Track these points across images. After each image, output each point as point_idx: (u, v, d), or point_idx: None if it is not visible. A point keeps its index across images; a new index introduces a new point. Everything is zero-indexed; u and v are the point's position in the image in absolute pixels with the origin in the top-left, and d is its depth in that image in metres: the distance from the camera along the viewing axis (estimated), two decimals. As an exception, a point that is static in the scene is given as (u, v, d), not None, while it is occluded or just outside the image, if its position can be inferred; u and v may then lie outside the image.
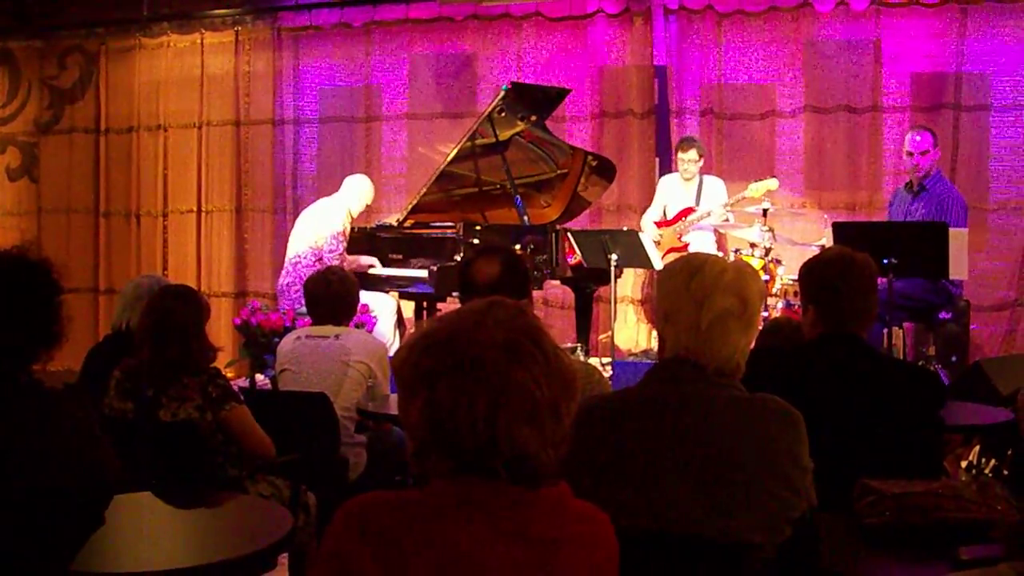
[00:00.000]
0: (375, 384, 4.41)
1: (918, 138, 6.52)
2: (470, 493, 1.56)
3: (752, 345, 2.37)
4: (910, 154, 6.55)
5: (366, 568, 1.50)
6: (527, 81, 8.02)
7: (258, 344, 6.61)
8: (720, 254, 7.33)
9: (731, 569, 2.11)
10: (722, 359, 2.27)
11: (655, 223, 7.79)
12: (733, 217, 7.52)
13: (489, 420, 1.53)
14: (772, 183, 7.15)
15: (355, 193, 7.38)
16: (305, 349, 4.48)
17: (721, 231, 7.79)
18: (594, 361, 6.46)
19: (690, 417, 2.22)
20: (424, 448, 1.59)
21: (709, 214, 7.47)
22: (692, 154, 7.56)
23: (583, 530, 1.62)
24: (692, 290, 2.27)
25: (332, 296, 4.58)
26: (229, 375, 6.34)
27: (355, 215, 7.41)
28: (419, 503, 1.57)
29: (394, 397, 4.36)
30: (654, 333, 6.58)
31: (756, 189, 7.16)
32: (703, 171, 7.74)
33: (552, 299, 8.36)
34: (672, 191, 7.80)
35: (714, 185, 7.69)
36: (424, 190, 7.25)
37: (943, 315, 6.44)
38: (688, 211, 7.61)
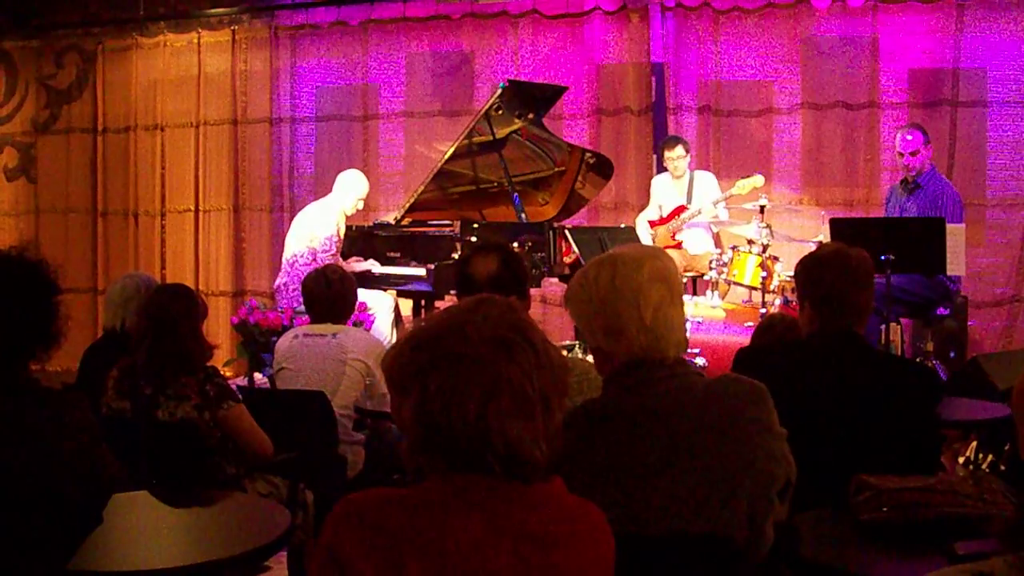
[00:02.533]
0: (373, 382, 4.41)
1: (909, 137, 6.53)
2: (464, 489, 1.57)
3: (684, 319, 2.39)
4: (901, 154, 6.57)
5: (361, 564, 1.51)
6: (524, 79, 8.02)
7: (256, 343, 6.62)
8: (717, 250, 7.33)
9: (725, 563, 2.12)
10: (674, 344, 2.28)
11: (649, 222, 7.79)
12: (726, 213, 7.53)
13: (481, 415, 1.54)
14: (758, 179, 7.17)
15: (348, 190, 7.37)
16: (303, 348, 4.48)
17: (715, 228, 7.79)
18: (591, 359, 6.45)
19: (662, 417, 2.22)
20: (418, 445, 1.60)
21: (700, 212, 7.48)
22: (678, 151, 7.58)
23: (578, 526, 1.62)
24: (623, 294, 2.26)
25: (330, 296, 4.57)
26: (227, 374, 6.35)
27: (350, 212, 7.40)
28: (414, 499, 1.58)
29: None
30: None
31: (743, 186, 7.23)
32: (694, 167, 7.75)
33: (550, 297, 8.36)
34: (664, 190, 7.81)
35: (704, 179, 7.71)
36: (421, 188, 7.25)
37: (941, 311, 6.45)
38: (681, 209, 7.62)
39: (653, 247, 2.57)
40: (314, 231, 7.15)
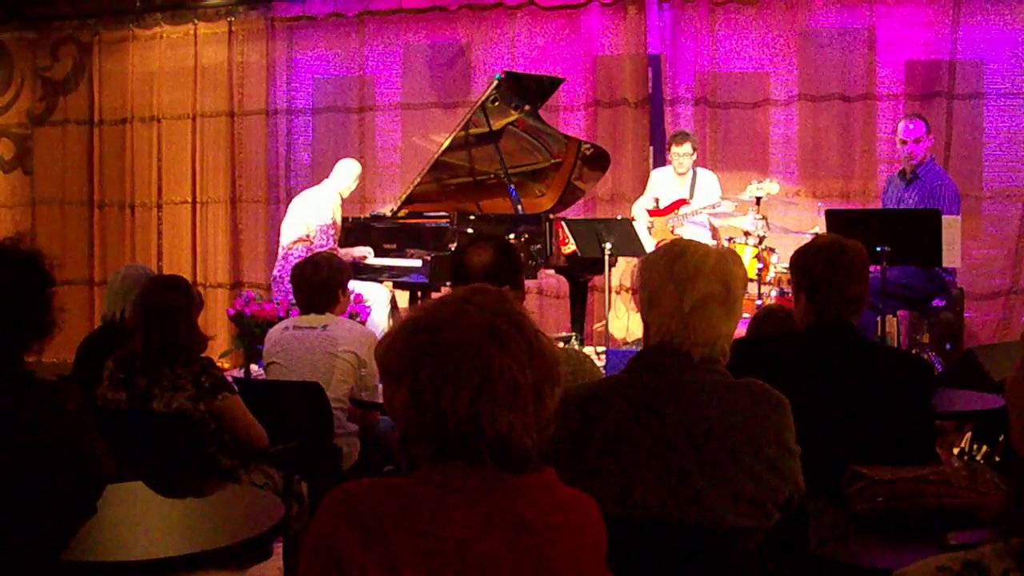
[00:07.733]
0: (365, 373, 4.38)
1: (911, 126, 6.52)
2: (455, 479, 1.56)
3: (736, 331, 2.38)
4: (904, 142, 6.54)
5: (354, 554, 1.50)
6: (521, 70, 8.00)
7: (252, 334, 6.60)
8: (714, 242, 7.32)
9: (718, 554, 2.12)
10: (705, 344, 2.27)
11: (647, 211, 7.77)
12: (721, 201, 7.50)
13: (473, 405, 1.54)
14: (772, 187, 7.02)
15: (342, 177, 7.39)
16: (293, 341, 4.41)
17: (716, 222, 7.77)
18: (588, 350, 6.46)
19: (674, 404, 2.22)
20: (410, 435, 1.60)
21: (721, 203, 7.39)
22: (686, 147, 7.53)
23: (571, 516, 1.62)
24: (675, 274, 2.28)
25: (311, 283, 4.47)
26: (224, 365, 6.35)
27: (345, 195, 7.42)
28: (406, 489, 1.57)
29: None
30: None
31: (757, 189, 7.05)
32: (696, 163, 7.73)
33: (547, 288, 8.37)
34: (665, 184, 7.77)
35: (707, 178, 7.67)
36: (418, 180, 7.25)
37: (937, 303, 6.45)
38: (681, 202, 7.59)
39: (735, 253, 2.55)
40: (309, 220, 7.15)
